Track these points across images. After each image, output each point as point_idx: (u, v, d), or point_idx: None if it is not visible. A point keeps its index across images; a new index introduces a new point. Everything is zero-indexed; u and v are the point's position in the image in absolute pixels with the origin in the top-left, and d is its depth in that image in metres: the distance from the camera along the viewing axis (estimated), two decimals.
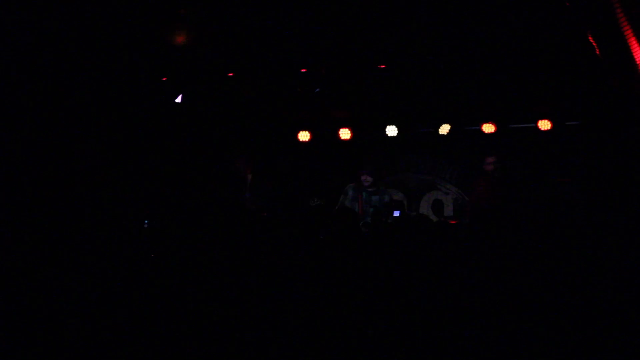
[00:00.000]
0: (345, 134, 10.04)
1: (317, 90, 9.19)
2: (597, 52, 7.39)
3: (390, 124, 9.77)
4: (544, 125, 9.30)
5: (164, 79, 9.02)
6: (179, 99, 9.16)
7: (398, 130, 9.76)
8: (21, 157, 6.99)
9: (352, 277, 4.66)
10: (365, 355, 4.06)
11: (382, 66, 8.95)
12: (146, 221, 7.23)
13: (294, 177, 10.47)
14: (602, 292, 4.64)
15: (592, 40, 7.31)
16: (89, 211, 7.29)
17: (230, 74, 9.15)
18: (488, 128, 9.56)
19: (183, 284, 4.73)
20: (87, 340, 4.19)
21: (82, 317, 4.34)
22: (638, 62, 7.22)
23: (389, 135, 9.80)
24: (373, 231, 7.45)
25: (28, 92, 7.01)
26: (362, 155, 9.63)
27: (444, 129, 9.64)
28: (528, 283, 4.81)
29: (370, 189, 8.31)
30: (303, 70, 9.07)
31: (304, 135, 10.14)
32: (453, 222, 9.35)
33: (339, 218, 5.98)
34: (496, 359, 4.00)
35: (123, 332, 4.28)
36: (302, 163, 10.52)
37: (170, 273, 4.93)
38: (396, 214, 8.23)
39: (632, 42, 7.01)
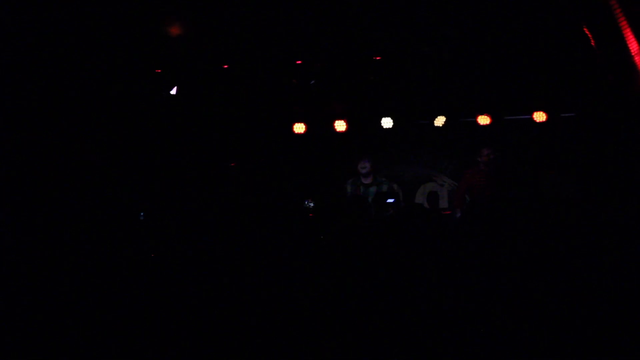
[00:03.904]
0: (340, 126, 10.02)
1: (313, 82, 9.18)
2: (593, 44, 7.39)
3: (385, 116, 9.77)
4: (539, 117, 9.31)
5: (158, 71, 8.99)
6: (173, 92, 9.13)
7: (393, 122, 9.76)
8: (20, 156, 6.98)
9: (351, 275, 4.66)
10: (365, 354, 4.07)
11: (378, 58, 8.94)
12: (142, 213, 7.21)
13: (289, 169, 10.46)
14: (598, 286, 4.65)
15: (587, 32, 7.31)
16: (88, 210, 7.29)
17: (225, 66, 9.12)
18: (483, 120, 9.56)
19: (182, 284, 4.73)
20: (87, 340, 4.19)
21: (81, 316, 4.34)
22: (633, 54, 7.22)
23: (385, 127, 9.80)
24: (376, 216, 7.49)
25: (25, 91, 7.01)
26: (357, 148, 9.64)
27: (440, 121, 9.64)
28: (524, 278, 4.82)
29: (366, 182, 8.28)
30: (298, 62, 9.05)
31: (299, 128, 10.13)
32: (448, 212, 9.38)
33: (350, 208, 5.98)
34: (495, 354, 4.01)
35: (122, 331, 4.28)
36: (298, 155, 10.52)
37: (170, 273, 4.93)
38: (390, 201, 8.25)
39: (627, 33, 7.01)
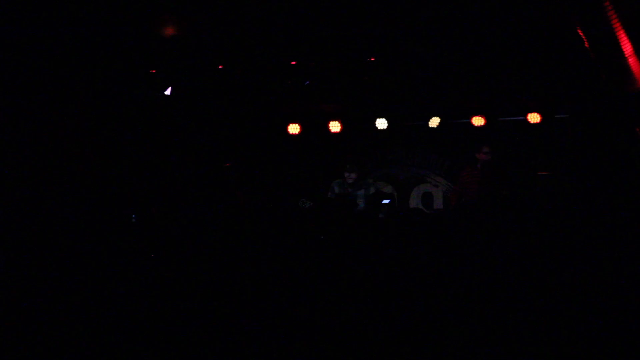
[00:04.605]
0: (335, 126, 10.05)
1: (307, 82, 9.18)
2: (587, 46, 7.42)
3: (380, 117, 9.79)
4: (534, 118, 9.36)
5: (153, 71, 8.97)
6: (168, 92, 9.11)
7: (388, 123, 9.78)
8: (20, 156, 6.96)
9: (350, 274, 4.68)
10: (366, 353, 4.08)
11: (372, 59, 8.95)
12: (134, 216, 7.20)
13: (284, 169, 10.47)
14: (594, 285, 4.68)
15: (581, 34, 7.34)
16: (87, 210, 7.27)
17: (220, 67, 9.11)
18: (478, 121, 9.60)
19: (181, 284, 4.73)
20: (87, 340, 4.18)
21: (81, 316, 4.34)
22: (627, 55, 7.27)
23: (379, 128, 9.82)
24: (369, 215, 7.52)
25: (25, 91, 6.98)
26: (345, 153, 9.66)
27: (434, 122, 9.66)
28: (520, 278, 4.84)
29: (355, 184, 8.39)
30: (293, 63, 9.05)
31: (293, 128, 10.15)
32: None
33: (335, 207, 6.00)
34: (494, 354, 4.03)
35: (122, 331, 4.28)
36: (292, 155, 10.53)
37: (169, 273, 4.93)
38: (385, 202, 8.30)
39: (621, 35, 7.05)
